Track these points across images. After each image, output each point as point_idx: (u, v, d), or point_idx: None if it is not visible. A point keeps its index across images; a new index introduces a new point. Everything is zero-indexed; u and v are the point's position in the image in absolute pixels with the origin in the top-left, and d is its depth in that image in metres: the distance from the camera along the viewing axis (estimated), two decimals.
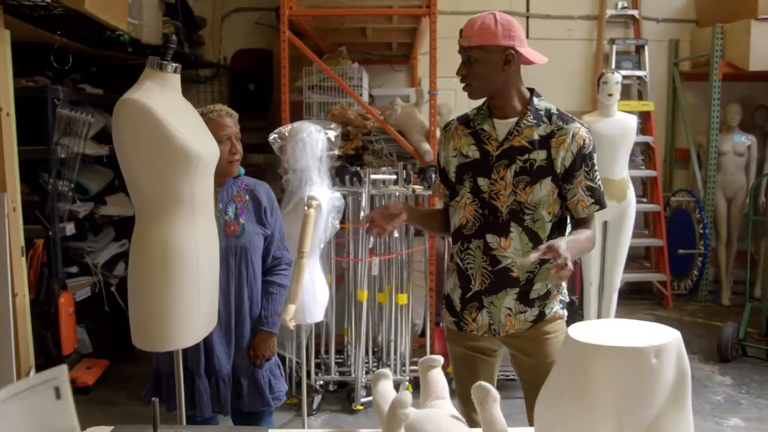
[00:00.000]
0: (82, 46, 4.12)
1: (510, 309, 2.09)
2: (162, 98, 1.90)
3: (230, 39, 6.13)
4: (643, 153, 6.00)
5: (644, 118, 5.93)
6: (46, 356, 3.88)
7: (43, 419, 0.93)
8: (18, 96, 3.69)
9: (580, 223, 2.09)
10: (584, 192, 2.03)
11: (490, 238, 2.07)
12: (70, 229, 4.14)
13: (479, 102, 2.17)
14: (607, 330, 1.47)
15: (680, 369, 1.44)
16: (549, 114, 2.06)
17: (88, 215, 4.36)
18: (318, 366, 3.94)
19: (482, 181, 2.07)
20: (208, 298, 2.02)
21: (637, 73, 5.94)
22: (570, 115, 2.09)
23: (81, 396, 3.87)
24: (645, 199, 5.97)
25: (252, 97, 5.94)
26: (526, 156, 2.03)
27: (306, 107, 4.62)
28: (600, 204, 2.07)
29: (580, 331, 1.45)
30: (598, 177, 2.07)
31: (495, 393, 1.49)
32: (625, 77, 5.89)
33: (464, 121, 2.17)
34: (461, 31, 2.05)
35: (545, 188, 2.03)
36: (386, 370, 1.78)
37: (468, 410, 2.15)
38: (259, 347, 2.38)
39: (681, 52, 6.14)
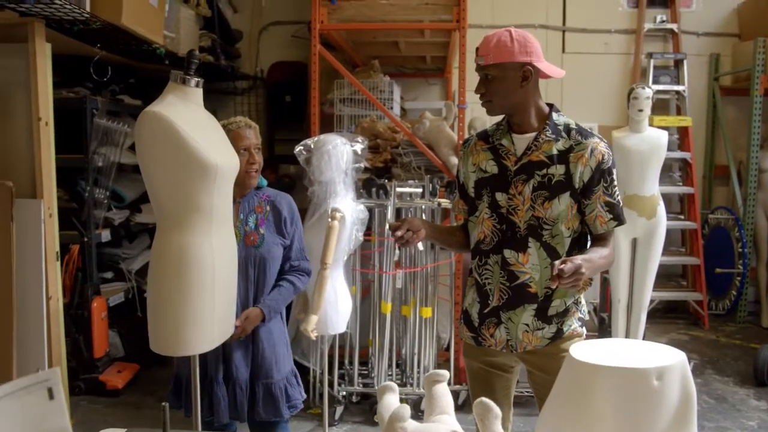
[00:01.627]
0: (122, 59, 4.25)
1: (527, 325, 2.08)
2: (183, 111, 1.96)
3: (267, 52, 6.25)
4: (681, 169, 5.87)
5: (682, 134, 5.82)
6: (79, 359, 4.00)
7: (36, 419, 0.97)
8: (59, 106, 3.84)
9: (598, 240, 2.07)
10: (602, 207, 2.03)
11: (507, 253, 2.07)
12: (105, 235, 4.27)
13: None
14: (611, 350, 1.45)
15: (685, 392, 1.41)
16: (568, 129, 2.06)
17: (124, 222, 4.49)
18: (342, 377, 3.95)
19: (500, 196, 2.07)
20: (224, 307, 2.06)
21: (676, 87, 5.83)
22: (589, 129, 2.08)
23: (111, 399, 3.96)
24: (682, 216, 5.85)
25: (288, 108, 6.03)
26: (545, 171, 2.02)
27: (337, 120, 4.67)
28: (618, 220, 2.05)
29: (582, 351, 1.43)
30: (617, 193, 2.06)
31: (497, 410, 1.48)
32: (663, 92, 5.83)
33: (483, 136, 2.18)
34: (477, 49, 2.05)
35: (563, 203, 2.02)
36: (392, 384, 1.79)
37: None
38: (244, 321, 2.33)
39: (722, 67, 6.01)
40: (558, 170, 2.02)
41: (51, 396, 0.98)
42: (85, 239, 4.04)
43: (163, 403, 1.75)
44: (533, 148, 2.04)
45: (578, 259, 1.82)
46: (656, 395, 1.36)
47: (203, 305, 1.92)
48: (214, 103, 6.29)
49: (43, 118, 3.45)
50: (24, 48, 3.37)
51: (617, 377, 1.36)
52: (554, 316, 2.09)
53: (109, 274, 4.50)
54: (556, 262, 1.80)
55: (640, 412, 1.36)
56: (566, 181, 2.02)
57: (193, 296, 1.89)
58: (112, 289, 4.37)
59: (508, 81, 2.01)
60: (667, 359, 1.40)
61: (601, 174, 2.01)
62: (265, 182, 2.56)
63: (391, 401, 1.75)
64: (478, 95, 2.07)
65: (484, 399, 1.52)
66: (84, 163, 4.08)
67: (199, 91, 2.08)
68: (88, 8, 3.29)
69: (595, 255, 1.99)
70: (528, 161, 2.04)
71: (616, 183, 2.06)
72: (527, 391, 3.38)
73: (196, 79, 2.06)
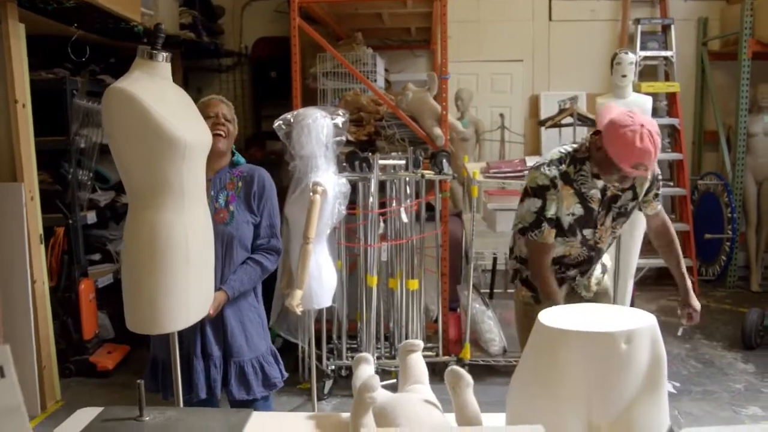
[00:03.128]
0: (100, 38, 4.19)
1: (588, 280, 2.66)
2: (150, 87, 1.92)
3: (251, 28, 6.18)
4: (670, 135, 5.85)
5: (670, 100, 5.78)
6: (69, 341, 4.00)
7: None
8: (38, 88, 3.80)
9: (651, 219, 2.57)
10: (654, 199, 2.51)
11: (584, 267, 2.59)
12: (91, 217, 4.24)
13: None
14: (581, 315, 1.45)
15: (655, 356, 1.41)
16: None
17: (109, 204, 4.46)
18: (330, 351, 3.97)
19: (587, 232, 2.46)
20: (199, 284, 2.04)
21: (664, 53, 5.78)
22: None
23: (101, 380, 3.98)
24: (671, 183, 5.83)
25: (274, 84, 5.97)
26: (619, 202, 2.44)
27: (321, 94, 4.63)
28: (661, 203, 2.55)
29: (550, 317, 1.43)
30: (660, 187, 2.53)
31: (468, 378, 1.49)
32: (651, 58, 5.78)
33: (567, 180, 2.39)
34: (644, 166, 2.22)
35: (632, 213, 2.53)
36: (367, 355, 1.79)
37: None
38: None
39: (710, 31, 5.96)
40: (628, 196, 2.44)
41: (2, 374, 0.97)
42: (70, 221, 4.01)
43: (138, 381, 1.75)
44: (609, 187, 2.39)
45: (694, 304, 2.50)
46: (625, 359, 1.36)
47: (176, 284, 1.90)
48: (199, 80, 6.23)
49: (20, 100, 3.42)
50: None
51: (585, 341, 1.36)
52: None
53: (96, 256, 4.48)
54: (683, 321, 2.54)
55: (609, 376, 1.36)
56: (633, 200, 2.45)
57: (165, 275, 1.87)
58: (101, 271, 4.36)
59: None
60: (636, 323, 1.40)
61: (654, 180, 2.48)
62: (242, 160, 2.52)
63: (365, 372, 1.76)
64: (616, 185, 2.38)
65: (455, 367, 1.53)
66: (66, 145, 4.04)
67: (168, 66, 2.03)
68: None
69: (685, 271, 2.56)
70: (606, 200, 2.42)
71: (661, 182, 2.53)
72: None
73: (164, 53, 2.01)
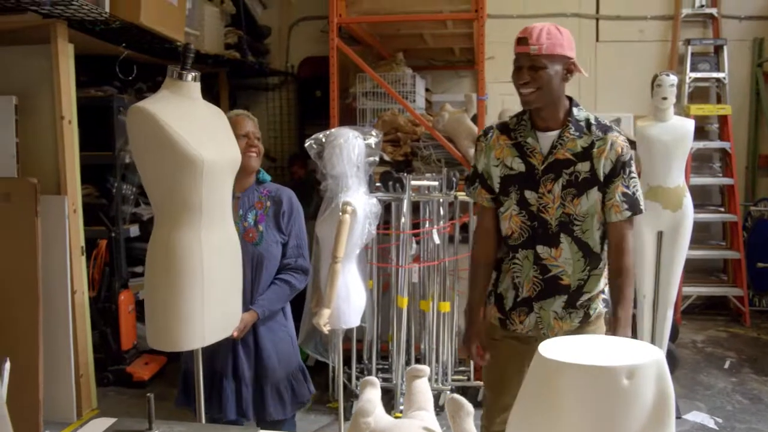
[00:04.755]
0: (147, 57, 4.33)
1: (556, 312, 2.16)
2: (175, 106, 1.97)
3: (297, 47, 6.28)
4: (721, 160, 5.65)
5: (721, 123, 5.59)
6: (107, 351, 4.11)
7: None
8: (87, 105, 3.96)
9: (613, 230, 2.12)
10: (619, 197, 2.07)
11: (540, 249, 2.13)
12: (134, 230, 4.37)
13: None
14: (583, 347, 1.40)
15: (661, 393, 1.34)
16: (588, 124, 2.09)
17: (152, 218, 4.57)
18: (361, 371, 3.95)
19: (530, 194, 2.12)
20: (218, 303, 2.03)
21: (715, 75, 5.61)
22: (607, 123, 2.11)
23: (137, 390, 4.05)
24: (722, 209, 5.62)
25: (318, 103, 6.04)
26: (572, 169, 2.07)
27: (360, 113, 4.66)
28: (633, 210, 2.09)
29: (552, 348, 1.38)
30: (634, 185, 2.10)
31: (469, 407, 1.45)
32: (701, 80, 5.62)
33: (505, 130, 2.18)
34: (524, 38, 2.01)
35: (592, 198, 2.08)
36: (373, 378, 1.76)
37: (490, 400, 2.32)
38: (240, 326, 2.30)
39: (765, 52, 5.75)
40: (584, 167, 2.07)
41: None
42: (113, 234, 4.14)
43: (148, 394, 1.77)
44: (558, 146, 2.08)
45: (619, 331, 2.03)
46: (626, 395, 1.30)
47: (190, 302, 1.91)
48: (246, 98, 6.37)
49: (66, 116, 3.55)
50: (47, 49, 3.48)
51: (585, 375, 1.30)
52: (582, 303, 2.16)
53: (138, 269, 4.59)
54: None
55: (610, 413, 1.30)
56: (592, 177, 2.07)
57: (179, 292, 1.89)
58: (141, 284, 4.46)
59: (556, 73, 2.03)
60: (640, 358, 1.34)
61: (622, 166, 2.06)
62: (268, 178, 2.56)
63: (370, 396, 1.74)
64: (519, 84, 2.04)
65: (456, 395, 1.49)
66: (112, 160, 4.18)
67: (196, 85, 2.07)
68: (107, 8, 3.37)
69: (620, 303, 2.08)
70: (555, 160, 2.08)
71: (634, 175, 2.09)
72: None
73: (193, 73, 2.06)
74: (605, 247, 2.16)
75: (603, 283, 2.19)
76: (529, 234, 2.13)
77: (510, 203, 2.14)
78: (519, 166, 2.12)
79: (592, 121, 2.09)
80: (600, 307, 2.20)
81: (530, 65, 2.01)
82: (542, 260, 2.13)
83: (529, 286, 2.16)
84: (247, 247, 2.33)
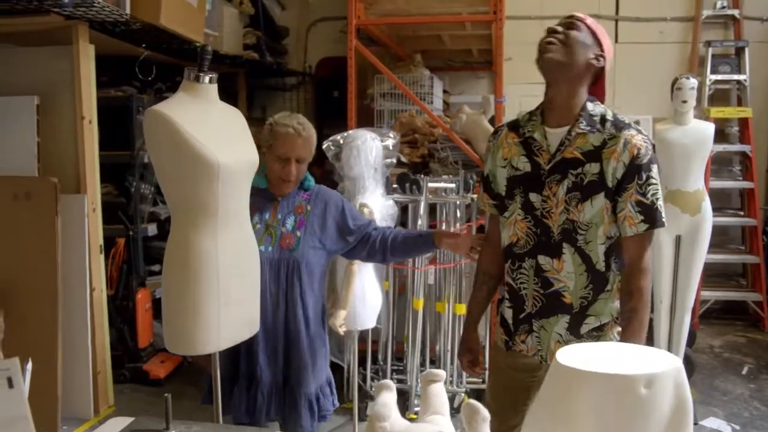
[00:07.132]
0: (167, 58, 4.37)
1: (560, 335, 1.93)
2: (192, 109, 1.97)
3: (315, 48, 6.30)
4: (741, 163, 5.59)
5: (742, 126, 5.53)
6: (124, 348, 4.15)
7: None
8: (107, 105, 4.00)
9: (627, 246, 1.86)
10: (633, 207, 1.80)
11: (542, 259, 1.92)
12: (152, 229, 4.41)
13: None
14: (601, 355, 1.39)
15: (679, 401, 1.33)
16: (603, 120, 1.87)
17: (169, 217, 4.61)
18: (375, 372, 3.96)
19: (534, 197, 1.91)
20: (237, 307, 2.01)
21: (737, 77, 5.54)
22: (626, 120, 1.88)
23: (153, 388, 4.09)
24: (742, 213, 5.56)
25: (336, 104, 6.06)
26: (579, 169, 1.85)
27: (378, 114, 4.66)
28: (652, 223, 1.82)
29: (569, 355, 1.38)
30: (653, 193, 1.82)
31: (485, 413, 1.45)
32: (722, 82, 5.56)
33: (514, 127, 2.00)
34: (571, 15, 1.88)
35: (597, 205, 1.84)
36: (389, 382, 1.76)
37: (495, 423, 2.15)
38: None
39: None
40: (592, 168, 1.83)
41: (10, 385, 1.01)
42: (131, 233, 4.18)
43: (166, 394, 1.79)
44: (566, 143, 1.86)
45: None
46: (644, 404, 1.30)
47: (206, 305, 1.90)
48: (263, 98, 6.40)
49: (86, 116, 3.59)
50: (69, 50, 3.52)
51: (602, 384, 1.29)
52: (588, 333, 1.93)
53: (156, 267, 4.63)
54: None
55: (627, 422, 1.29)
56: (600, 181, 1.82)
57: (195, 295, 1.88)
58: (158, 282, 4.50)
59: (586, 47, 1.85)
60: (659, 366, 1.33)
61: (636, 170, 1.80)
62: (312, 182, 2.41)
63: (386, 400, 1.74)
64: (546, 40, 1.85)
65: (472, 401, 1.49)
66: (131, 159, 4.22)
67: (213, 87, 2.07)
68: (128, 10, 3.40)
69: (631, 329, 1.84)
70: (562, 159, 1.87)
71: (654, 182, 1.82)
72: None
73: (210, 75, 2.06)
74: (612, 268, 1.90)
75: (615, 311, 1.93)
76: (533, 242, 1.93)
77: (515, 207, 1.96)
78: (525, 165, 1.93)
79: (609, 117, 1.87)
80: (614, 341, 1.93)
81: (567, 24, 1.86)
82: (544, 272, 1.92)
83: (531, 302, 1.96)
84: (282, 252, 2.26)
